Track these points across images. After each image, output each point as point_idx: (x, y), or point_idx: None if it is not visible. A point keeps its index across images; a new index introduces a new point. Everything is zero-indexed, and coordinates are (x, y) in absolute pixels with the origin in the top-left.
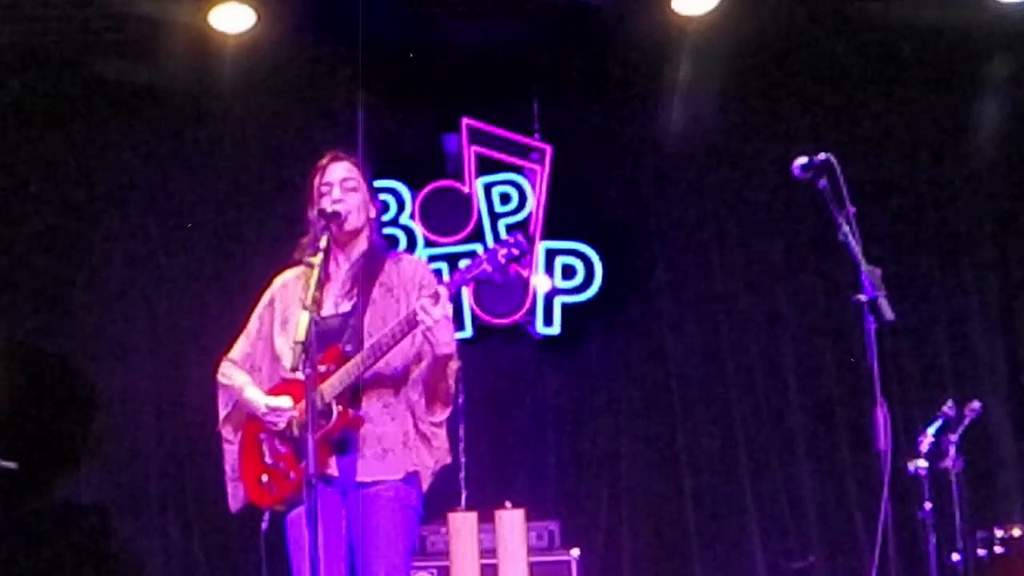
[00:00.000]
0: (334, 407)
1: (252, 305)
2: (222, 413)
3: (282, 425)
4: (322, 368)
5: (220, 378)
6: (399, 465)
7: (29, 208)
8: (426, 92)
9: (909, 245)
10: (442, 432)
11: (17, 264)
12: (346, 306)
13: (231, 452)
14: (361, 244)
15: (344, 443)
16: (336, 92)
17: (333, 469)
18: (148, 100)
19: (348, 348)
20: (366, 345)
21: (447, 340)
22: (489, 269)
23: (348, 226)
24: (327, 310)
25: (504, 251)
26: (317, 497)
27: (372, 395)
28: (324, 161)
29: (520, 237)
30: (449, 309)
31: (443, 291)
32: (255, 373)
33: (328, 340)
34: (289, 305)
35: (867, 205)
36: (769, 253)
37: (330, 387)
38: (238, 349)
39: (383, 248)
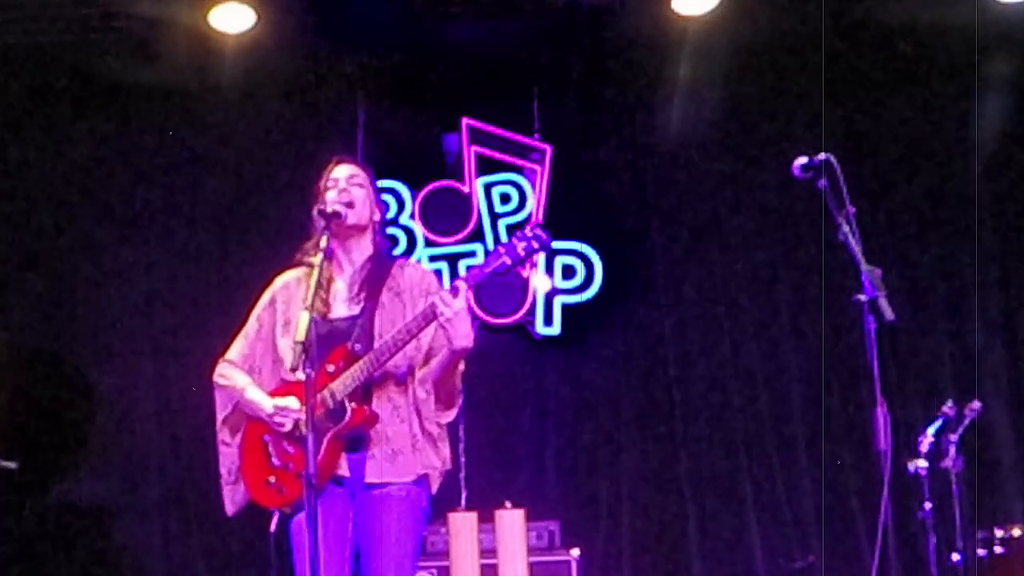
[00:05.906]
0: (347, 404)
1: (251, 305)
2: (220, 415)
3: (289, 426)
4: (330, 368)
5: (218, 379)
6: (409, 467)
7: (29, 208)
8: (426, 92)
9: (909, 245)
10: (446, 435)
11: (17, 264)
12: (356, 309)
13: (228, 455)
14: (366, 247)
15: (356, 441)
16: (336, 92)
17: (344, 469)
18: (148, 100)
19: (357, 347)
20: (376, 345)
21: (465, 332)
22: (508, 262)
23: (352, 219)
24: (338, 312)
25: (523, 244)
26: (317, 499)
27: (381, 395)
28: (331, 164)
29: (539, 231)
30: (466, 302)
31: (462, 285)
32: (254, 374)
33: (336, 341)
34: (291, 306)
35: (867, 205)
36: (769, 253)
37: (342, 385)
38: (236, 350)
39: (389, 251)
